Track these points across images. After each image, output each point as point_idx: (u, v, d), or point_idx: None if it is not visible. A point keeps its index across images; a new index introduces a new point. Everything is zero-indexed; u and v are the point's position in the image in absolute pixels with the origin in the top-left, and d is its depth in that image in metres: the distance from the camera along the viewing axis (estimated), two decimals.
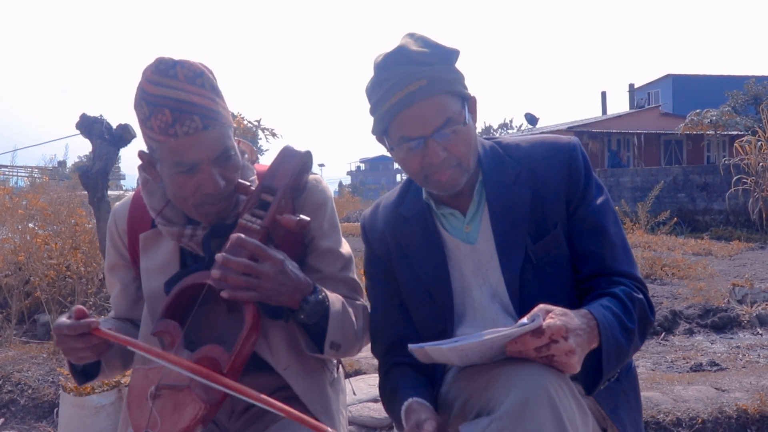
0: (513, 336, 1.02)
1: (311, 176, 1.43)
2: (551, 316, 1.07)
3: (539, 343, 1.04)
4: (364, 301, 1.49)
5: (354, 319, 1.37)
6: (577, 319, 1.10)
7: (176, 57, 1.24)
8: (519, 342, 1.05)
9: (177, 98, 1.21)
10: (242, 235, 1.22)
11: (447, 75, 1.26)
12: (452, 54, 1.29)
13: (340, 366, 1.55)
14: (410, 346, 1.09)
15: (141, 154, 1.33)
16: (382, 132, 1.32)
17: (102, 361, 1.34)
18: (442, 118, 1.24)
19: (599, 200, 1.33)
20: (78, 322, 1.17)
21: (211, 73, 1.29)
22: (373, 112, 1.32)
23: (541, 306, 1.10)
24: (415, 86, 1.23)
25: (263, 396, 1.08)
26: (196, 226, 1.33)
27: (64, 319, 1.21)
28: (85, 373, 1.37)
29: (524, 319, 1.01)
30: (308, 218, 1.29)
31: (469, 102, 1.31)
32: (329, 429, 1.06)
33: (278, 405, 1.06)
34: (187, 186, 1.26)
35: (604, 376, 1.15)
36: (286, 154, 1.36)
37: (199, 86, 1.24)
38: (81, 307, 1.19)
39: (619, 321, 1.18)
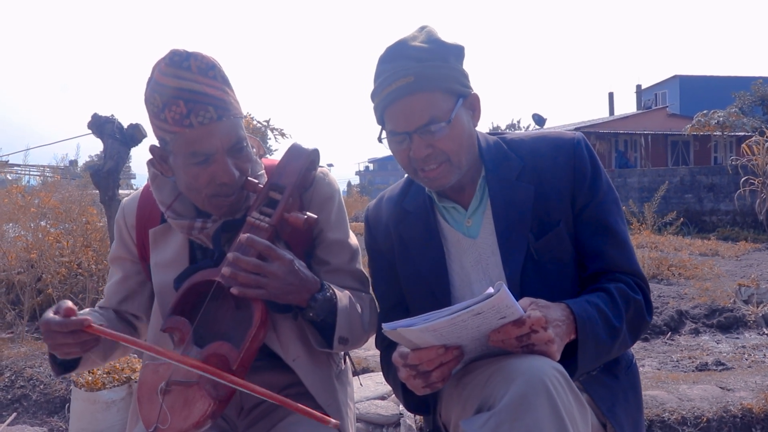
0: (479, 310, 1.01)
1: (318, 169, 1.44)
2: (533, 307, 1.10)
3: (520, 332, 1.06)
4: (371, 292, 1.51)
5: (361, 312, 1.39)
6: (557, 311, 1.13)
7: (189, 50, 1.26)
8: (501, 332, 1.07)
9: (191, 89, 1.23)
10: (252, 236, 1.23)
11: (439, 72, 1.24)
12: (451, 50, 1.28)
13: (347, 358, 1.56)
14: (384, 326, 1.06)
15: (152, 149, 1.35)
16: (379, 122, 1.34)
17: (83, 354, 1.30)
18: (426, 115, 1.24)
19: (608, 198, 1.33)
20: (70, 320, 1.15)
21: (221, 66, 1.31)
22: (372, 101, 1.34)
23: (525, 298, 1.13)
24: (403, 82, 1.23)
25: (270, 392, 1.10)
26: (206, 218, 1.34)
27: (51, 314, 1.19)
28: (64, 366, 1.35)
29: (490, 290, 1.01)
30: (315, 216, 1.31)
31: (468, 99, 1.30)
32: (332, 420, 1.08)
33: (285, 400, 1.08)
34: (201, 177, 1.27)
35: (580, 369, 1.17)
36: (294, 151, 1.37)
37: (212, 78, 1.26)
38: (70, 304, 1.18)
39: (603, 317, 1.19)
